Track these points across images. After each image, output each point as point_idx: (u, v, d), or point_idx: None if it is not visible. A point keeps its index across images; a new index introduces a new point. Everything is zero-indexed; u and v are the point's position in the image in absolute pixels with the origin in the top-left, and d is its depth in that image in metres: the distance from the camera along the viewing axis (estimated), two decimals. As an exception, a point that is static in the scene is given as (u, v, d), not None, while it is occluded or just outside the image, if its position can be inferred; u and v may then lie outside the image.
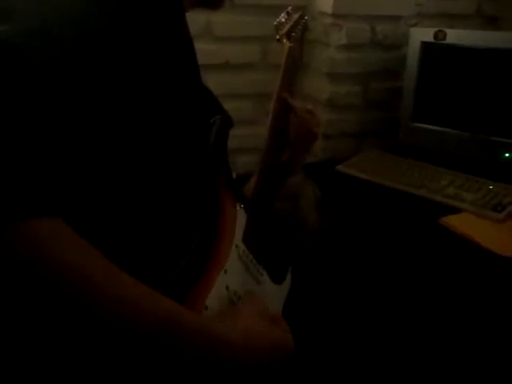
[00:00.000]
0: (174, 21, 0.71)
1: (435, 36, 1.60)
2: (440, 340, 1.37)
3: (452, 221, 1.32)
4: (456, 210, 1.37)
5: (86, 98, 0.56)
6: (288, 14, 1.09)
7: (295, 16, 1.11)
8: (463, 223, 1.31)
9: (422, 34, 1.64)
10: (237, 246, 0.81)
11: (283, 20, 1.07)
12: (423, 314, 1.40)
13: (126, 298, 0.56)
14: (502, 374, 1.24)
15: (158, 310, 0.59)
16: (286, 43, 1.05)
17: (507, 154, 1.54)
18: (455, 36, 1.59)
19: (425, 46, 1.63)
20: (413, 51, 1.66)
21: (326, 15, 1.67)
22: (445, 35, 1.59)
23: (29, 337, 0.61)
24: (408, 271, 1.42)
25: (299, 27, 1.10)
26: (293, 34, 1.07)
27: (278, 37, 1.05)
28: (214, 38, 1.61)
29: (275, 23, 1.06)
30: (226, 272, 0.76)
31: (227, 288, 0.76)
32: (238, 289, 0.78)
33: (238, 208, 0.84)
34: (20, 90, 0.52)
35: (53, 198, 0.53)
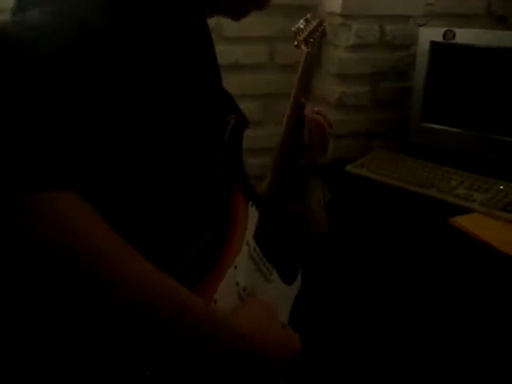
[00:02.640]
0: (192, 17, 0.71)
1: (444, 36, 1.60)
2: (449, 339, 1.37)
3: (462, 221, 1.31)
4: (466, 211, 1.36)
5: (95, 95, 0.56)
6: (306, 20, 1.13)
7: (313, 23, 1.15)
8: (473, 224, 1.31)
9: (432, 34, 1.63)
10: (248, 244, 0.81)
11: (302, 26, 1.11)
12: (433, 314, 1.40)
13: (144, 279, 0.55)
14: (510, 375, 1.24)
15: (171, 293, 0.58)
16: (304, 48, 1.08)
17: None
18: (465, 36, 1.58)
19: (434, 45, 1.63)
20: (422, 51, 1.65)
21: (335, 15, 1.67)
22: (454, 35, 1.59)
23: (31, 329, 0.61)
24: (417, 271, 1.42)
25: (317, 33, 1.14)
26: (311, 40, 1.10)
27: (296, 42, 1.09)
28: (222, 38, 1.61)
29: (293, 29, 1.10)
30: (236, 268, 0.76)
31: (237, 284, 0.76)
32: (248, 285, 0.78)
33: (250, 207, 0.84)
34: (34, 82, 0.52)
35: (71, 173, 0.52)
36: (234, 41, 1.65)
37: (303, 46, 1.08)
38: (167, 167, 0.67)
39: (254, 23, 1.65)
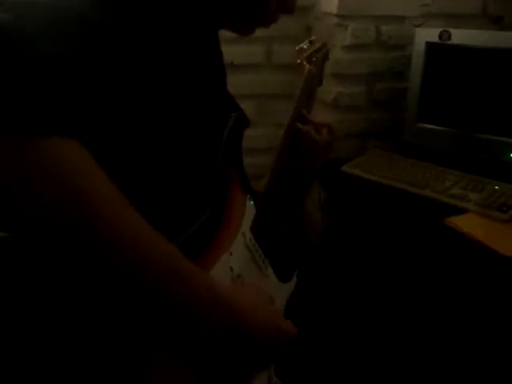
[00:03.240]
0: (197, 16, 0.72)
1: (440, 36, 1.60)
2: (445, 339, 1.37)
3: (457, 221, 1.32)
4: (461, 211, 1.36)
5: (101, 84, 0.56)
6: (310, 42, 1.17)
7: (317, 45, 1.19)
8: (468, 224, 1.31)
9: (427, 35, 1.64)
10: (244, 234, 0.82)
11: (305, 47, 1.15)
12: (428, 313, 1.40)
13: (142, 241, 0.55)
14: (504, 374, 1.24)
15: (169, 259, 0.58)
16: (306, 65, 1.12)
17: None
18: (460, 36, 1.59)
19: (430, 46, 1.63)
20: (418, 51, 1.65)
21: (331, 15, 1.67)
22: (450, 35, 1.59)
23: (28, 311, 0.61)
24: (413, 271, 1.42)
25: (320, 53, 1.18)
26: (313, 59, 1.14)
27: (298, 60, 1.13)
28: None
29: (297, 48, 1.14)
30: (231, 254, 0.77)
31: (231, 269, 0.77)
32: (243, 273, 0.79)
33: (248, 200, 0.86)
34: (29, 83, 0.51)
35: (73, 121, 0.52)
36: (230, 41, 1.64)
37: (305, 63, 1.12)
38: (172, 148, 0.68)
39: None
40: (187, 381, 0.65)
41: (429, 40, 1.63)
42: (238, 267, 0.78)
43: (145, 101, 0.62)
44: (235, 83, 1.68)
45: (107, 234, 0.52)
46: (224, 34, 1.61)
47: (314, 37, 1.19)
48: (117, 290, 0.56)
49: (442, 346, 1.38)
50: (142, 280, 0.55)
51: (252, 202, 0.87)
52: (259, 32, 1.64)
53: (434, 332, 1.40)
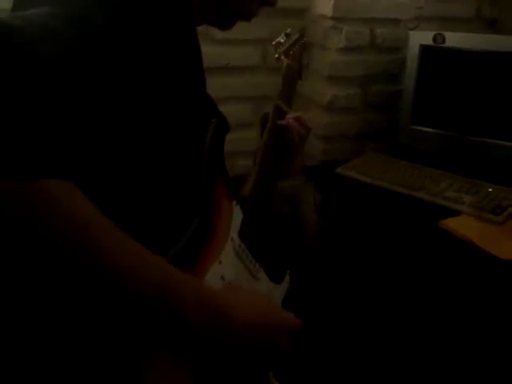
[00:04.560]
0: (180, 21, 0.72)
1: (434, 39, 1.61)
2: (440, 343, 1.38)
3: (451, 223, 1.32)
4: (455, 213, 1.37)
5: (91, 92, 0.58)
6: (287, 35, 1.16)
7: (294, 37, 1.18)
8: (462, 226, 1.32)
9: (421, 37, 1.65)
10: (232, 240, 0.82)
11: (281, 41, 1.15)
12: (423, 317, 1.41)
13: (131, 257, 0.58)
14: (502, 375, 1.25)
15: (158, 271, 0.61)
16: (285, 60, 1.12)
17: (506, 157, 1.55)
18: (454, 39, 1.60)
19: (424, 49, 1.64)
20: (412, 54, 1.66)
21: (326, 18, 1.68)
22: (444, 38, 1.60)
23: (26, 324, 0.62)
24: (407, 273, 1.42)
25: (297, 46, 1.17)
26: (291, 52, 1.14)
27: (276, 55, 1.12)
28: (214, 40, 1.62)
29: (274, 43, 1.14)
30: (220, 263, 0.77)
31: (222, 278, 0.77)
32: (234, 280, 0.80)
33: (234, 205, 0.86)
34: (28, 85, 0.53)
35: (66, 163, 0.55)
36: (225, 43, 1.65)
37: (283, 57, 1.12)
38: (157, 159, 0.69)
39: (245, 26, 1.65)
40: (182, 380, 0.66)
41: (423, 43, 1.64)
42: (228, 275, 0.79)
43: (131, 118, 0.64)
44: (231, 85, 1.70)
45: (106, 262, 0.56)
46: (219, 35, 1.62)
47: (289, 29, 1.18)
48: (112, 305, 0.59)
49: (438, 348, 1.38)
50: (135, 296, 0.58)
51: (238, 207, 0.87)
52: (255, 34, 1.66)
53: (428, 334, 1.40)
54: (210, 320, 0.63)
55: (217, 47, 1.63)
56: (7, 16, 0.58)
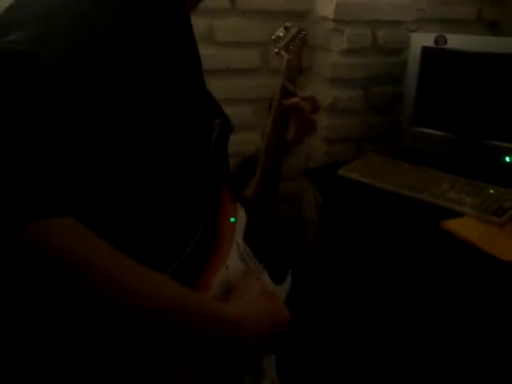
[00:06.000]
0: (178, 23, 0.73)
1: (436, 41, 1.61)
2: (442, 344, 1.38)
3: (453, 225, 1.32)
4: (457, 214, 1.37)
5: (91, 101, 0.58)
6: (286, 28, 1.15)
7: (293, 31, 1.17)
8: (464, 227, 1.31)
9: (423, 39, 1.65)
10: (237, 244, 0.82)
11: (281, 34, 1.14)
12: (425, 318, 1.41)
13: (137, 285, 0.57)
14: (504, 376, 1.25)
15: (164, 296, 0.60)
16: (285, 55, 1.11)
17: (508, 159, 1.55)
18: (456, 41, 1.60)
19: (426, 50, 1.64)
20: (414, 56, 1.66)
21: (328, 20, 1.68)
22: (445, 40, 1.60)
23: (30, 337, 0.61)
24: (409, 274, 1.42)
25: (297, 41, 1.16)
26: (291, 47, 1.13)
27: (276, 50, 1.11)
28: (215, 42, 1.62)
29: (273, 37, 1.13)
30: (227, 267, 0.77)
31: (228, 282, 0.77)
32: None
33: (238, 208, 0.86)
34: (27, 98, 0.53)
35: (62, 198, 0.54)
36: (226, 45, 1.65)
37: (283, 53, 1.11)
38: (157, 170, 0.68)
39: (246, 28, 1.66)
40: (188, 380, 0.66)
41: (424, 45, 1.64)
42: (234, 279, 0.78)
43: (134, 126, 0.63)
44: (232, 87, 1.70)
45: (114, 295, 0.55)
46: (220, 38, 1.63)
47: (288, 23, 1.18)
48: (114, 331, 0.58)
49: (440, 348, 1.38)
50: (141, 319, 0.57)
51: (242, 209, 0.87)
52: (256, 37, 1.66)
53: (430, 336, 1.40)
54: (222, 336, 0.63)
55: (218, 49, 1.63)
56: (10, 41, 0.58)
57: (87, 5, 0.62)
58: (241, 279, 0.78)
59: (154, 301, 0.58)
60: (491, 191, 1.44)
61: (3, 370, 0.62)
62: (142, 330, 0.58)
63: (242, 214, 0.86)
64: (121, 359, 0.62)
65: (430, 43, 1.62)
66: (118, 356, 0.62)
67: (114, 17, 0.63)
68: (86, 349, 0.61)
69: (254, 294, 0.73)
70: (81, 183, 0.58)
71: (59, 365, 0.62)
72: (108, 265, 0.56)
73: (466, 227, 1.32)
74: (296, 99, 1.04)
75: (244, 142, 1.50)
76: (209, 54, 1.58)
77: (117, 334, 0.58)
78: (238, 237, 0.83)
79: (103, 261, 0.56)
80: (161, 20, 0.69)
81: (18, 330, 0.61)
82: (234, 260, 0.80)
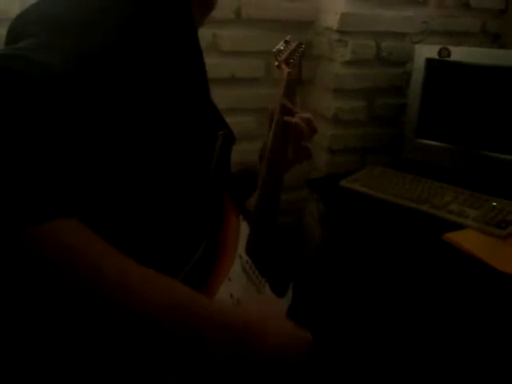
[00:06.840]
0: (185, 34, 0.73)
1: (440, 53, 1.62)
2: (444, 354, 1.37)
3: (455, 237, 1.32)
4: (459, 227, 1.37)
5: (97, 108, 0.58)
6: (286, 42, 1.16)
7: (293, 44, 1.18)
8: (467, 239, 1.31)
9: (427, 51, 1.65)
10: (240, 257, 0.82)
11: (281, 48, 1.15)
12: (427, 329, 1.40)
13: (148, 291, 0.57)
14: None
15: (172, 298, 0.60)
16: (285, 68, 1.12)
17: (511, 171, 1.54)
18: (459, 53, 1.60)
19: (429, 62, 1.64)
20: (417, 68, 1.67)
21: (332, 31, 1.68)
22: (449, 52, 1.60)
23: (32, 339, 0.61)
24: (411, 286, 1.42)
25: (297, 54, 1.17)
26: (291, 60, 1.14)
27: (276, 63, 1.12)
28: (219, 52, 1.63)
29: (274, 50, 1.14)
30: (230, 280, 0.77)
31: (231, 296, 0.76)
32: (241, 297, 0.79)
33: (241, 220, 0.85)
34: (35, 102, 0.54)
35: (68, 200, 0.55)
36: (230, 55, 1.66)
37: (284, 66, 1.12)
38: (161, 182, 0.68)
39: (251, 38, 1.67)
40: None
41: (428, 56, 1.64)
42: (237, 292, 0.78)
43: (139, 137, 0.64)
44: (236, 97, 1.70)
45: (120, 297, 0.56)
46: (224, 47, 1.63)
47: (288, 36, 1.19)
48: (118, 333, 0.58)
49: (442, 360, 1.37)
50: (143, 321, 0.57)
51: (245, 221, 0.87)
52: (260, 47, 1.66)
53: (432, 347, 1.39)
54: (234, 341, 0.63)
55: (223, 59, 1.64)
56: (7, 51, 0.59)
57: (98, 16, 0.63)
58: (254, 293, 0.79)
59: (162, 302, 0.58)
60: (494, 203, 1.44)
61: (5, 371, 0.62)
62: (149, 332, 0.57)
63: (244, 226, 0.86)
64: (126, 361, 0.61)
65: (434, 55, 1.63)
66: (123, 358, 0.61)
67: (122, 27, 0.64)
68: (90, 350, 0.61)
69: (274, 309, 0.73)
70: (86, 190, 0.58)
71: (62, 367, 0.62)
72: (114, 266, 0.56)
73: (469, 239, 1.31)
74: (297, 120, 1.04)
75: (247, 152, 1.50)
76: (213, 63, 1.59)
77: (123, 336, 0.58)
78: (241, 249, 0.83)
79: (110, 262, 0.56)
80: (168, 29, 0.69)
81: (21, 332, 0.61)
82: (236, 272, 0.79)
